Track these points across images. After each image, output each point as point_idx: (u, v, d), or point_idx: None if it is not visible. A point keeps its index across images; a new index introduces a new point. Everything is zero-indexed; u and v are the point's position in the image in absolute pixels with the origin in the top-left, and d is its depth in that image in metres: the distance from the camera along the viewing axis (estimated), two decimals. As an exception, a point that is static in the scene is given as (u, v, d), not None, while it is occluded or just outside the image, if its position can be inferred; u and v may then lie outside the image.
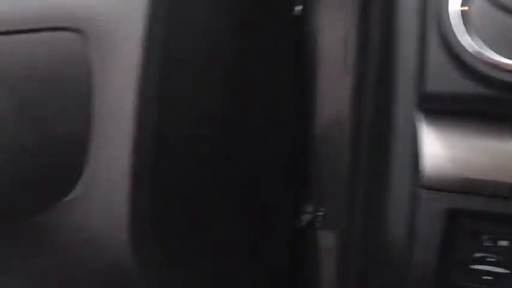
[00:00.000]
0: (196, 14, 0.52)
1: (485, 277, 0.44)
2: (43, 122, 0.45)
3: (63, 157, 0.48)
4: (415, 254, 0.44)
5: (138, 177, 0.50)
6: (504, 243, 0.43)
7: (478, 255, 0.44)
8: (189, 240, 0.56)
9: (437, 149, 0.43)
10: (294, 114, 0.65)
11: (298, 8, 0.65)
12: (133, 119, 0.49)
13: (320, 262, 0.67)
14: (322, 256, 0.67)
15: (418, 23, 0.45)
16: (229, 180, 0.58)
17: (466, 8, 0.42)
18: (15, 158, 0.44)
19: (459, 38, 0.42)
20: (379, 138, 0.47)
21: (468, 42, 0.41)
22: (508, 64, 0.41)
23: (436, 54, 0.43)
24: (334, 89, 0.64)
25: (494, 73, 0.41)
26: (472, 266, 0.44)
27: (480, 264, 0.44)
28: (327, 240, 0.67)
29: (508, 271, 0.43)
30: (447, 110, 0.44)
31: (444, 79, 0.43)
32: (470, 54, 0.41)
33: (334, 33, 0.62)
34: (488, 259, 0.44)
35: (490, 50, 0.41)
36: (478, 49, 0.41)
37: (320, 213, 0.67)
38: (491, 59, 0.41)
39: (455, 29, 0.42)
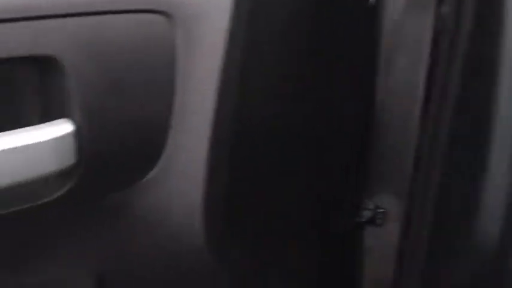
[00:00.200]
0: (276, 4, 0.52)
1: None
2: (130, 103, 0.45)
3: (144, 139, 0.48)
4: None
5: (214, 164, 0.50)
6: None
7: None
8: (258, 227, 0.56)
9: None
10: (362, 107, 0.64)
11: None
12: (214, 106, 0.49)
13: (377, 259, 0.67)
14: (380, 253, 0.67)
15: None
16: (297, 168, 0.58)
17: None
18: (106, 136, 0.44)
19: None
20: (467, 134, 0.46)
21: None
22: None
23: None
24: (404, 81, 0.63)
25: None
26: None
27: None
28: (388, 237, 0.66)
29: None
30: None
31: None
32: None
33: (409, 24, 0.61)
34: None
35: None
36: None
37: (381, 210, 0.67)
38: None
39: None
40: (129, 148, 0.47)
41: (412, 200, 0.59)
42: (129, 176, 0.49)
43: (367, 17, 0.60)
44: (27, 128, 0.42)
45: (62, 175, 0.44)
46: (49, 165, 0.43)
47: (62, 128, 0.42)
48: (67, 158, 0.43)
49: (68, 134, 0.43)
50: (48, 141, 0.42)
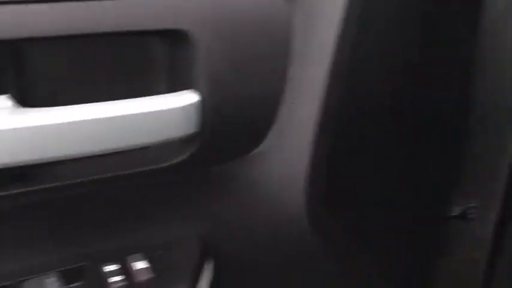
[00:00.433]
0: None
1: None
2: (249, 77, 0.48)
3: (258, 112, 0.50)
4: None
5: (320, 145, 0.52)
6: None
7: None
8: (357, 210, 0.57)
9: None
10: (460, 104, 0.64)
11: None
12: (325, 87, 0.51)
13: (469, 253, 0.67)
14: (471, 248, 0.66)
15: None
16: (397, 155, 0.59)
17: None
18: (226, 107, 0.47)
19: None
20: None
21: None
22: None
23: None
24: (503, 77, 0.63)
25: None
26: None
27: None
28: (479, 232, 0.66)
29: None
30: None
31: None
32: None
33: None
34: None
35: None
36: None
37: (472, 205, 0.67)
38: None
39: None
40: (244, 120, 0.49)
41: (506, 200, 0.59)
42: (241, 148, 0.52)
43: (472, 9, 0.61)
44: (157, 96, 0.45)
45: (184, 142, 0.48)
46: (174, 132, 0.46)
47: (188, 98, 0.46)
48: (190, 126, 0.46)
49: (193, 104, 0.46)
50: (175, 109, 0.45)
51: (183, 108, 0.45)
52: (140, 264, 0.51)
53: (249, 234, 0.56)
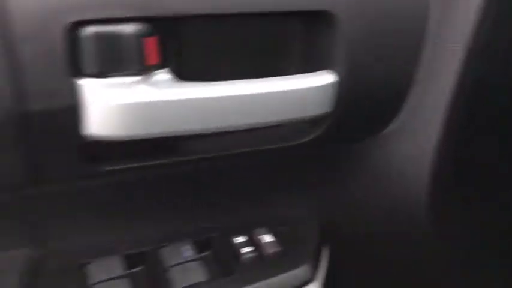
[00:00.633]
0: None
1: None
2: (385, 57, 0.48)
3: (390, 93, 0.51)
4: None
5: (449, 129, 0.52)
6: None
7: None
8: (479, 205, 0.56)
9: None
10: None
11: None
12: (458, 72, 0.50)
13: None
14: None
15: None
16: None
17: None
18: (361, 88, 0.48)
19: None
20: None
21: None
22: None
23: None
24: None
25: None
26: None
27: None
28: None
29: None
30: None
31: None
32: None
33: None
34: None
35: None
36: None
37: None
38: None
39: None
40: (376, 101, 0.50)
41: None
42: (371, 128, 0.53)
43: None
44: (296, 76, 0.47)
45: (317, 120, 0.49)
46: (310, 110, 0.48)
47: (325, 78, 0.47)
48: (325, 106, 0.48)
49: (329, 84, 0.47)
50: (312, 88, 0.47)
51: (320, 88, 0.47)
52: (267, 238, 0.54)
53: (367, 215, 0.57)
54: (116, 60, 0.38)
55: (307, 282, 0.52)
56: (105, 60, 0.38)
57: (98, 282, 0.47)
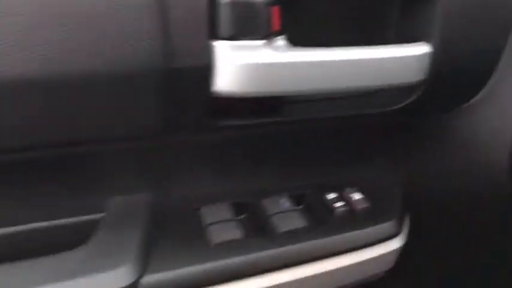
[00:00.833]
0: None
1: None
2: (475, 29, 0.52)
3: (478, 66, 0.55)
4: None
5: None
6: None
7: None
8: None
9: None
10: None
11: None
12: None
13: None
14: None
15: None
16: None
17: None
18: (453, 58, 0.53)
19: None
20: None
21: None
22: None
23: None
24: None
25: None
26: None
27: None
28: None
29: None
30: None
31: None
32: None
33: None
34: None
35: None
36: None
37: None
38: None
39: None
40: (467, 72, 0.54)
41: None
42: (459, 99, 0.57)
43: None
44: (396, 46, 0.52)
45: (411, 88, 0.54)
46: (406, 77, 0.52)
47: (421, 49, 0.52)
48: (419, 74, 0.53)
49: (424, 54, 0.52)
50: (409, 57, 0.52)
51: (416, 57, 0.52)
52: (356, 196, 0.59)
53: (450, 183, 0.61)
54: (247, 25, 0.44)
55: (393, 236, 0.57)
56: (238, 24, 0.44)
57: (211, 224, 0.53)
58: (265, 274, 0.51)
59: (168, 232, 0.52)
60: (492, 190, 0.60)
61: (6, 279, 0.44)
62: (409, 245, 0.60)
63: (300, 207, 0.58)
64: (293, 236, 0.53)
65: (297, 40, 0.49)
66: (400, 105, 0.55)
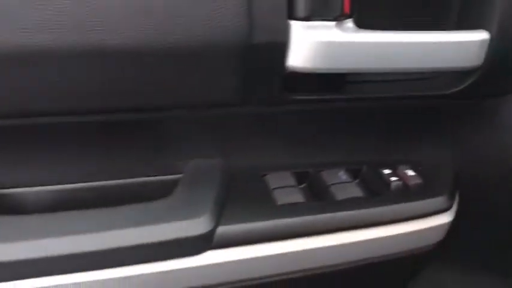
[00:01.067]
0: None
1: None
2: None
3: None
4: None
5: None
6: None
7: None
8: None
9: None
10: None
11: None
12: None
13: None
14: None
15: None
16: None
17: None
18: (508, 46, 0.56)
19: None
20: None
21: None
22: None
23: None
24: None
25: None
26: None
27: None
28: None
29: None
30: None
31: None
32: None
33: None
34: None
35: None
36: None
37: None
38: None
39: None
40: None
41: None
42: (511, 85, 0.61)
43: None
44: (454, 31, 0.56)
45: (467, 73, 0.58)
46: (463, 61, 0.56)
47: (480, 35, 0.55)
48: (476, 60, 0.56)
49: (483, 41, 0.56)
50: (467, 42, 0.56)
51: (475, 43, 0.56)
52: (410, 172, 0.63)
53: (490, 169, 0.65)
54: (321, 8, 0.50)
55: (444, 210, 0.61)
56: (313, 6, 0.49)
57: (276, 188, 0.59)
58: (324, 235, 0.56)
59: (237, 192, 0.58)
60: None
61: (98, 221, 0.51)
62: (458, 222, 0.64)
63: (357, 180, 0.63)
64: (351, 203, 0.58)
65: (364, 23, 0.54)
66: (455, 89, 0.59)
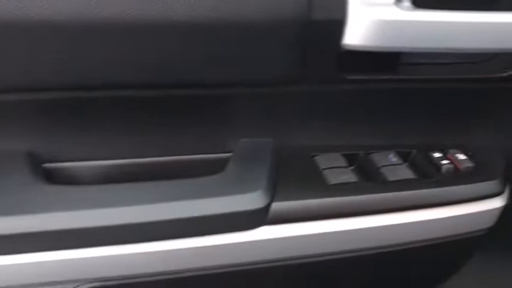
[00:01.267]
0: None
1: None
2: None
3: None
4: None
5: None
6: None
7: None
8: None
9: None
10: None
11: None
12: None
13: None
14: None
15: None
16: None
17: None
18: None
19: None
20: None
21: None
22: None
23: None
24: None
25: None
26: None
27: None
28: None
29: None
30: None
31: None
32: None
33: None
34: None
35: None
36: None
37: None
38: None
39: None
40: None
41: None
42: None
43: None
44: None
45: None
46: None
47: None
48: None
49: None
50: None
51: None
52: (460, 156, 0.63)
53: None
54: (380, -16, 0.50)
55: (496, 194, 0.60)
56: (372, -16, 0.49)
57: (326, 168, 0.59)
58: (376, 215, 0.56)
59: (288, 172, 0.58)
60: None
61: (154, 194, 0.52)
62: (510, 208, 0.63)
63: (407, 163, 0.63)
64: (403, 184, 0.58)
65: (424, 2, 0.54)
66: (507, 73, 0.58)
